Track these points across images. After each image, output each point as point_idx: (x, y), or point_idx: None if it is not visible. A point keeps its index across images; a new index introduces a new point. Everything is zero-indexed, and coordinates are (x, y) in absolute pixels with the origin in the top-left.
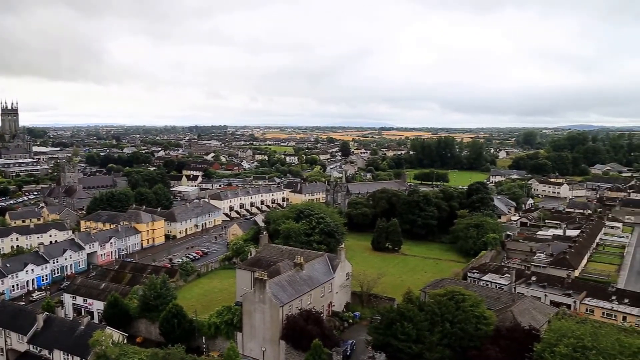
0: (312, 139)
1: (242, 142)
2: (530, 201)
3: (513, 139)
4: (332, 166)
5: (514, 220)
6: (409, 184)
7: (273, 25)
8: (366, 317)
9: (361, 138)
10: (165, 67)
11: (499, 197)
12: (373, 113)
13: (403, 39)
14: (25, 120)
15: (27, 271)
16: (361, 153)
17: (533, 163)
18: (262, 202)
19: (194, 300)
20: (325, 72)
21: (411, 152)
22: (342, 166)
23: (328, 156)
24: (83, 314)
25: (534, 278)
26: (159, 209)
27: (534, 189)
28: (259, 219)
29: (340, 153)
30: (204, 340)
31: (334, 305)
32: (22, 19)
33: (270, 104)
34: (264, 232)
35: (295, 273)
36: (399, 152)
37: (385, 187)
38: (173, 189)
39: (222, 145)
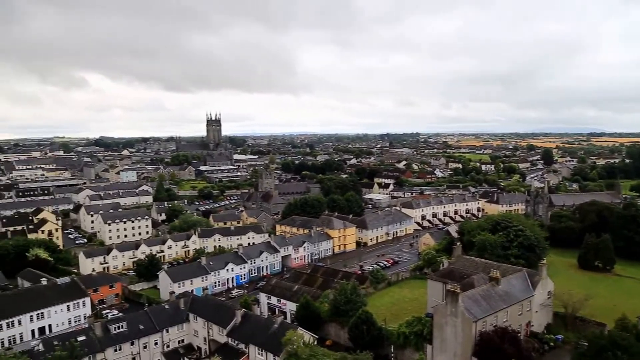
0: (510, 147)
1: (435, 150)
2: None
3: None
4: (532, 175)
5: None
6: (624, 196)
7: (460, 29)
8: (570, 342)
9: (566, 145)
10: (353, 75)
11: None
12: (578, 117)
13: (604, 35)
14: (227, 130)
15: (227, 270)
16: (566, 161)
17: None
18: (455, 212)
19: (384, 308)
20: (520, 75)
21: (627, 161)
22: (544, 175)
23: (528, 165)
24: (277, 313)
25: None
26: (350, 216)
27: None
28: (452, 229)
29: (541, 161)
30: (392, 350)
31: (532, 326)
32: (219, 38)
33: (463, 110)
34: (458, 243)
35: (491, 287)
36: (612, 161)
37: (595, 199)
38: (365, 196)
39: (414, 153)
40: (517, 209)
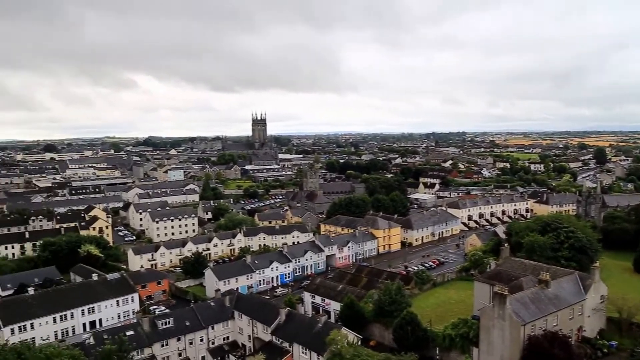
0: (561, 145)
1: (482, 149)
2: None
3: None
4: (584, 175)
5: None
6: None
7: (507, 26)
8: (625, 349)
9: (620, 143)
10: (398, 75)
11: None
12: (633, 115)
13: None
14: (272, 129)
15: (272, 268)
16: (620, 160)
17: None
18: (503, 213)
19: (429, 309)
20: (570, 72)
21: None
22: (597, 175)
23: (579, 164)
24: (321, 312)
25: None
26: (395, 216)
27: None
28: (500, 229)
29: (594, 160)
30: (437, 352)
31: (584, 331)
32: (264, 39)
33: (511, 109)
34: (505, 244)
35: (540, 290)
36: None
37: None
38: (410, 196)
39: (461, 152)
40: (568, 210)
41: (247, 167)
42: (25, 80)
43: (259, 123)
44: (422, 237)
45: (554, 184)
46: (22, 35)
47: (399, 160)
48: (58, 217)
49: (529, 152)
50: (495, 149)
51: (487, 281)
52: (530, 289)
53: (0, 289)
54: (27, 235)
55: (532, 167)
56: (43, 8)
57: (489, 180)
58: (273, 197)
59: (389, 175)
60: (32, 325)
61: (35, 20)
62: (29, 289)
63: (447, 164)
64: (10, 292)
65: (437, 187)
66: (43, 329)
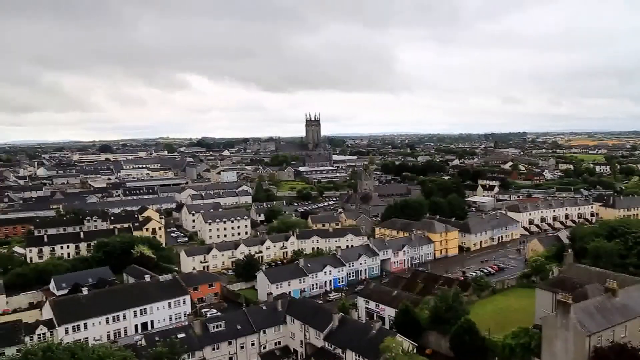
0: (628, 146)
1: (544, 150)
2: None
3: None
4: None
5: None
6: None
7: (570, 20)
8: None
9: None
10: (454, 73)
11: None
12: None
13: None
14: (326, 130)
15: (325, 272)
16: None
17: None
18: (566, 217)
19: (487, 317)
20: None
21: None
22: None
23: None
24: (375, 318)
25: None
26: (452, 219)
27: None
28: (563, 234)
29: None
30: None
31: None
32: (317, 38)
33: (574, 108)
34: (569, 250)
35: (607, 299)
36: None
37: None
38: (468, 199)
39: (521, 153)
40: (637, 214)
41: (301, 168)
42: (81, 82)
43: (312, 124)
44: (481, 242)
45: (621, 187)
46: (77, 37)
47: (456, 162)
48: (112, 218)
49: (593, 153)
50: (558, 150)
51: (549, 289)
52: (596, 298)
53: (55, 289)
54: (82, 235)
55: (598, 168)
56: (99, 10)
57: (551, 183)
58: (327, 200)
59: (446, 177)
60: (85, 325)
61: (90, 22)
62: (83, 288)
63: (507, 166)
64: (65, 291)
65: (496, 189)
66: (96, 329)
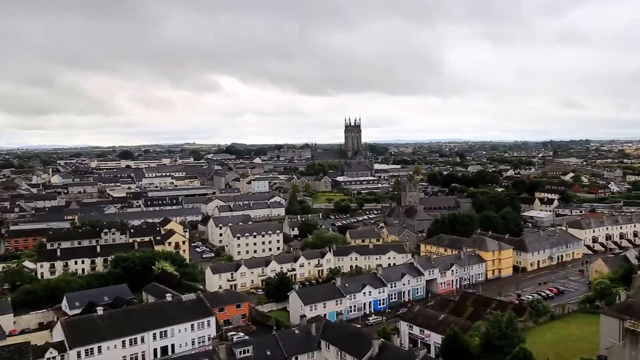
0: None
1: (609, 160)
2: None
3: None
4: None
5: None
6: None
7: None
8: None
9: None
10: (509, 75)
11: None
12: None
13: None
14: (368, 136)
15: (364, 293)
16: None
17: None
18: (634, 234)
19: (546, 346)
20: None
21: None
22: None
23: None
24: (419, 345)
25: None
26: (506, 236)
27: None
28: (631, 254)
29: None
30: None
31: None
32: (358, 37)
33: None
34: (638, 272)
35: None
36: None
37: None
38: (523, 213)
39: (584, 163)
40: None
41: (339, 178)
42: (103, 83)
43: (352, 129)
44: (538, 261)
45: None
46: (101, 35)
47: (510, 172)
48: (132, 230)
49: None
50: (625, 160)
51: (616, 315)
52: None
53: (68, 308)
54: (98, 249)
55: None
56: (125, 6)
57: (617, 196)
58: (367, 213)
59: (500, 189)
60: (99, 348)
61: (115, 19)
62: (98, 308)
63: (568, 177)
64: (78, 311)
65: (555, 203)
66: (111, 353)
